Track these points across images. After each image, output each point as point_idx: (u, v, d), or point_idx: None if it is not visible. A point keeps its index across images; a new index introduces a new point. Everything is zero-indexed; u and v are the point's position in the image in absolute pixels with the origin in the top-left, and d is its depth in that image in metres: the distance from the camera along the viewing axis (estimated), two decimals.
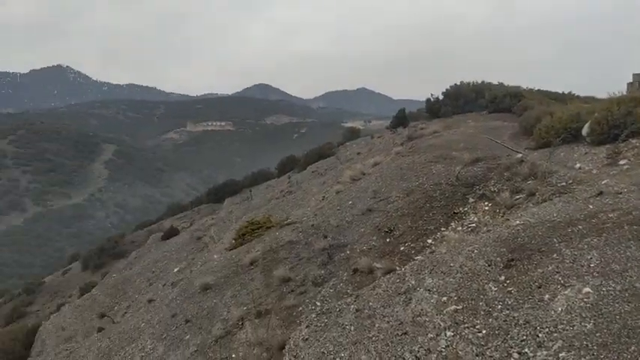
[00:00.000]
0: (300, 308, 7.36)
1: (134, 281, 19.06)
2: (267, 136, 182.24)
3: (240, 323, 7.82)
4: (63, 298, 22.78)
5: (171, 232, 24.35)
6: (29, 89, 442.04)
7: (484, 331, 4.47)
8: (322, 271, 8.26)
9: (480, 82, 26.76)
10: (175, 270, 16.87)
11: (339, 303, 6.36)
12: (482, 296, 4.92)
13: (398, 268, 6.96)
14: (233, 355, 7.16)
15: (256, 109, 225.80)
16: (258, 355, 6.75)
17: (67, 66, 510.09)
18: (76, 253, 36.05)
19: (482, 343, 4.36)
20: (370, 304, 5.80)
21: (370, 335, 5.25)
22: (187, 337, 8.40)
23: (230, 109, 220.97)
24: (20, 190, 76.50)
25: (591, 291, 4.23)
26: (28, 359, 13.40)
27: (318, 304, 7.16)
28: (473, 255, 5.66)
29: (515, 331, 4.25)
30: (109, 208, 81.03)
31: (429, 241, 7.96)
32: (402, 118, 26.63)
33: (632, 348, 3.54)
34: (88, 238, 63.42)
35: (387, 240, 8.47)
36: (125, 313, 14.80)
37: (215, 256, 12.22)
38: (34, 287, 25.53)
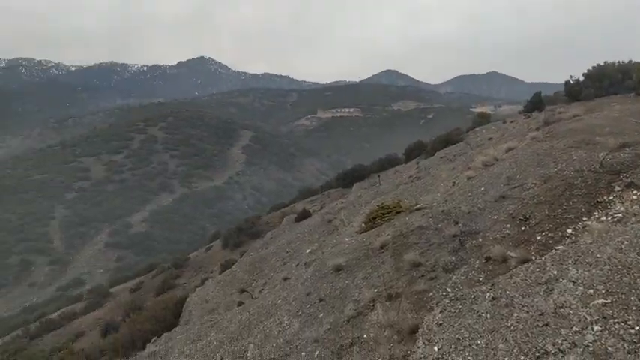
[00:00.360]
0: (431, 293, 7.24)
1: (269, 260, 19.84)
2: (395, 122, 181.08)
3: (372, 305, 7.85)
4: (206, 273, 24.30)
5: (304, 215, 24.98)
6: (177, 80, 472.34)
7: (637, 327, 4.12)
8: (453, 258, 8.06)
9: (626, 61, 24.44)
10: (308, 251, 17.32)
11: (474, 290, 6.17)
12: (633, 290, 4.54)
13: (534, 257, 6.61)
14: (364, 335, 7.22)
15: (384, 95, 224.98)
16: (388, 336, 6.76)
17: (209, 57, 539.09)
18: (216, 231, 38.22)
19: (635, 340, 4.02)
20: (507, 292, 5.56)
21: (508, 324, 5.04)
22: (321, 315, 8.61)
23: (358, 96, 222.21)
24: (169, 173, 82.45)
25: None
26: (177, 327, 14.41)
27: (449, 290, 7.01)
28: (623, 246, 5.22)
29: None
30: (246, 190, 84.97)
31: (569, 230, 7.45)
32: (537, 102, 25.12)
33: None
34: (228, 218, 67.06)
35: (522, 228, 8.05)
36: (262, 289, 15.46)
37: (346, 239, 12.38)
38: (181, 262, 27.49)
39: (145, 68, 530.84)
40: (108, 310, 23.93)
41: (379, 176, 29.06)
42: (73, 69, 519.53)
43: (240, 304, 13.63)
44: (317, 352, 7.77)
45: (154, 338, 14.19)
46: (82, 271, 53.50)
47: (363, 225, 12.76)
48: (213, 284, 18.84)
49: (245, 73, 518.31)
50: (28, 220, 64.26)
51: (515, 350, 4.71)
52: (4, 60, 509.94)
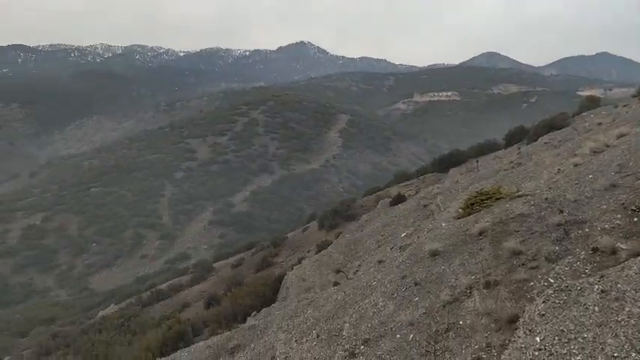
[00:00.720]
0: (532, 283, 6.94)
1: (364, 242, 19.88)
2: (494, 106, 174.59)
3: (469, 292, 7.66)
4: (303, 253, 24.81)
5: (399, 199, 24.75)
6: (277, 64, 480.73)
7: None
8: (556, 247, 7.66)
9: None
10: (403, 235, 17.17)
11: (580, 282, 5.85)
12: None
13: None
14: (460, 322, 7.07)
15: (483, 78, 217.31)
16: (486, 324, 6.58)
17: (309, 42, 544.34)
18: (313, 213, 38.85)
19: None
20: (619, 286, 5.22)
21: (618, 319, 4.74)
22: (416, 298, 8.53)
23: (456, 79, 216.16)
24: (269, 155, 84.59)
25: None
26: (275, 303, 14.81)
27: (552, 280, 6.68)
28: None
29: None
30: (342, 173, 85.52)
31: None
32: None
33: None
34: (324, 200, 67.87)
35: (635, 219, 7.51)
36: (357, 270, 15.55)
37: (443, 224, 12.13)
38: (279, 241, 28.25)
39: (247, 53, 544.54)
40: (211, 284, 25.07)
41: (477, 161, 28.21)
42: (182, 55, 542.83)
43: (335, 284, 13.79)
44: (412, 336, 7.72)
45: (254, 312, 14.67)
46: (188, 246, 56.34)
47: (460, 210, 12.43)
48: (310, 264, 19.17)
49: (343, 57, 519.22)
50: (141, 197, 68.43)
51: (626, 346, 4.42)
52: (121, 47, 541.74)
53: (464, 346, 6.60)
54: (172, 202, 66.23)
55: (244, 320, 14.52)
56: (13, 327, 36.89)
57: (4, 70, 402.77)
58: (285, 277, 17.82)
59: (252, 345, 11.17)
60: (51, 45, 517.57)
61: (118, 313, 23.95)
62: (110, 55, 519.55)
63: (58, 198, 70.51)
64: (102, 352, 17.45)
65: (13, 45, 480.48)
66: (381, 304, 9.28)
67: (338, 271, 16.03)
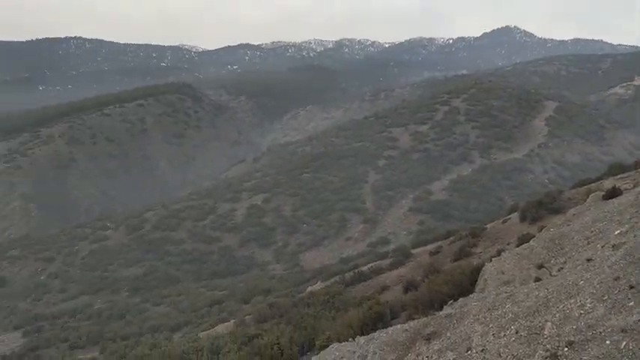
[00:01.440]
0: None
1: (571, 238, 18.31)
2: None
3: None
4: (502, 245, 23.73)
5: (613, 193, 22.17)
6: (481, 51, 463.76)
7: None
8: None
9: None
10: (616, 232, 15.44)
11: None
12: None
13: None
14: None
15: None
16: None
17: (515, 26, 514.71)
18: (514, 204, 36.82)
19: None
20: None
21: None
22: (631, 303, 7.68)
23: None
24: (469, 143, 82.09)
25: None
26: (473, 294, 14.47)
27: None
28: None
29: None
30: (547, 163, 79.59)
31: None
32: None
33: None
34: (526, 191, 64.00)
35: None
36: (561, 267, 14.43)
37: None
38: (478, 231, 27.35)
39: (451, 41, 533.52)
40: (409, 269, 25.26)
41: None
42: (387, 46, 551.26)
43: (537, 279, 12.98)
44: (624, 343, 6.99)
45: (450, 301, 14.49)
46: (388, 231, 57.43)
47: None
48: (510, 256, 18.28)
49: (552, 40, 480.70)
50: (347, 182, 71.40)
51: None
52: (332, 41, 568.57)
53: None
54: (375, 189, 67.98)
55: (441, 308, 14.42)
56: (237, 294, 41.33)
57: (235, 67, 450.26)
58: (484, 268, 17.24)
59: (448, 334, 11.05)
60: (272, 42, 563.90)
61: (324, 290, 25.41)
62: (322, 49, 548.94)
63: (275, 181, 76.86)
64: (310, 325, 18.68)
65: (241, 44, 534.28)
66: (588, 305, 8.53)
67: (540, 267, 15.04)
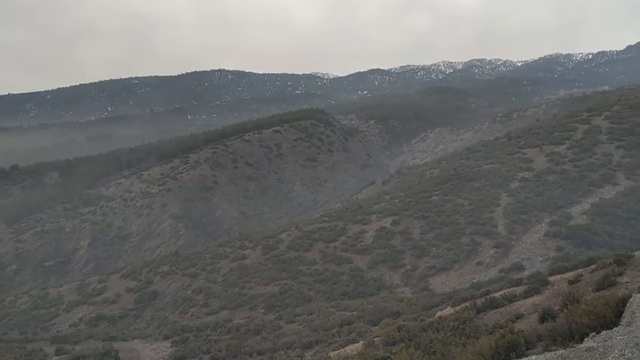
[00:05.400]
0: None
1: None
2: None
3: None
4: None
5: None
6: (624, 65, 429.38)
7: None
8: None
9: None
10: None
11: None
12: None
13: None
14: None
15: None
16: None
17: None
18: None
19: None
20: None
21: None
22: None
23: None
24: (613, 164, 75.60)
25: None
26: (618, 327, 13.39)
27: None
28: None
29: None
30: None
31: None
32: None
33: None
34: None
35: None
36: None
37: None
38: (624, 259, 25.09)
39: (590, 56, 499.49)
40: (545, 298, 23.82)
41: None
42: (519, 64, 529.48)
43: None
44: None
45: (592, 334, 13.54)
46: (522, 257, 54.35)
47: None
48: None
49: None
50: (477, 205, 68.95)
51: None
52: (461, 62, 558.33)
53: None
54: (507, 212, 64.85)
55: (581, 340, 13.47)
56: (367, 316, 41.38)
57: (364, 92, 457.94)
58: (631, 299, 15.85)
59: None
60: (401, 67, 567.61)
61: (454, 315, 24.70)
62: (451, 70, 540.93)
63: (404, 204, 76.27)
64: (439, 350, 18.29)
65: (371, 70, 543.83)
66: None
67: None
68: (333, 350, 30.18)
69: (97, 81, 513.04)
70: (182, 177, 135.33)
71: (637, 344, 10.63)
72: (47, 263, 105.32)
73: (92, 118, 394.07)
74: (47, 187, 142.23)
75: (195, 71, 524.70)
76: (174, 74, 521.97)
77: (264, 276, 61.96)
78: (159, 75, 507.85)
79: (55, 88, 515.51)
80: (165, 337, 49.23)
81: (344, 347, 29.49)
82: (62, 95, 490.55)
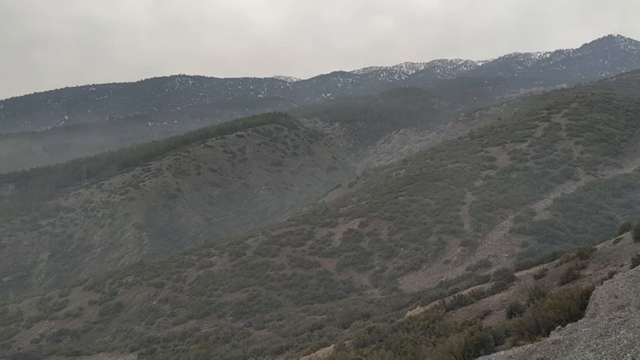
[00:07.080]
0: None
1: None
2: None
3: None
4: (614, 267, 22.21)
5: None
6: (581, 63, 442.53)
7: None
8: None
9: None
10: None
11: None
12: None
13: None
14: None
15: None
16: None
17: (617, 35, 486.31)
18: (627, 223, 34.42)
19: None
20: None
21: None
22: None
23: None
24: (573, 160, 77.79)
25: None
26: (583, 319, 13.71)
27: None
28: None
29: None
30: None
31: None
32: None
33: None
34: (639, 208, 59.57)
35: None
36: None
37: None
38: (586, 253, 25.77)
39: (548, 55, 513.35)
40: (512, 294, 24.28)
41: None
42: (480, 64, 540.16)
43: None
44: None
45: (558, 327, 13.84)
46: (488, 254, 55.36)
47: None
48: (624, 279, 17.11)
49: None
50: (443, 204, 69.93)
51: None
52: (423, 63, 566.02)
53: None
54: (473, 210, 65.96)
55: (548, 334, 13.77)
56: (337, 319, 41.45)
57: (328, 95, 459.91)
58: (594, 291, 16.27)
59: None
60: (364, 69, 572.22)
61: (423, 315, 24.96)
62: (414, 71, 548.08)
63: (371, 205, 76.77)
64: (410, 350, 18.45)
65: (334, 72, 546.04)
66: None
67: None
68: (304, 355, 30.11)
69: (52, 89, 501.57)
70: (144, 185, 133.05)
71: (601, 335, 10.90)
72: (5, 278, 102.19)
73: (49, 128, 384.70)
74: (3, 200, 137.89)
75: (155, 77, 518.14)
76: (133, 81, 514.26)
77: (231, 283, 61.41)
78: (117, 82, 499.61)
79: (8, 97, 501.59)
80: (132, 350, 48.32)
81: (315, 351, 29.45)
82: (16, 105, 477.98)
